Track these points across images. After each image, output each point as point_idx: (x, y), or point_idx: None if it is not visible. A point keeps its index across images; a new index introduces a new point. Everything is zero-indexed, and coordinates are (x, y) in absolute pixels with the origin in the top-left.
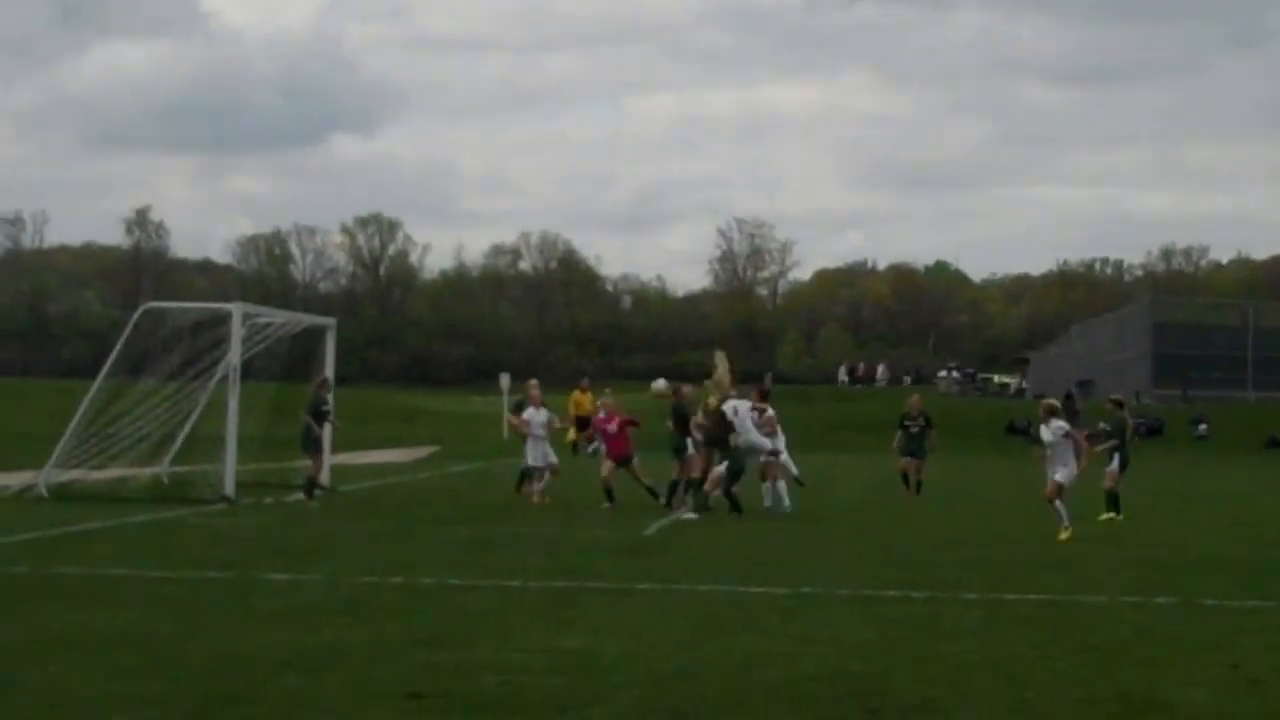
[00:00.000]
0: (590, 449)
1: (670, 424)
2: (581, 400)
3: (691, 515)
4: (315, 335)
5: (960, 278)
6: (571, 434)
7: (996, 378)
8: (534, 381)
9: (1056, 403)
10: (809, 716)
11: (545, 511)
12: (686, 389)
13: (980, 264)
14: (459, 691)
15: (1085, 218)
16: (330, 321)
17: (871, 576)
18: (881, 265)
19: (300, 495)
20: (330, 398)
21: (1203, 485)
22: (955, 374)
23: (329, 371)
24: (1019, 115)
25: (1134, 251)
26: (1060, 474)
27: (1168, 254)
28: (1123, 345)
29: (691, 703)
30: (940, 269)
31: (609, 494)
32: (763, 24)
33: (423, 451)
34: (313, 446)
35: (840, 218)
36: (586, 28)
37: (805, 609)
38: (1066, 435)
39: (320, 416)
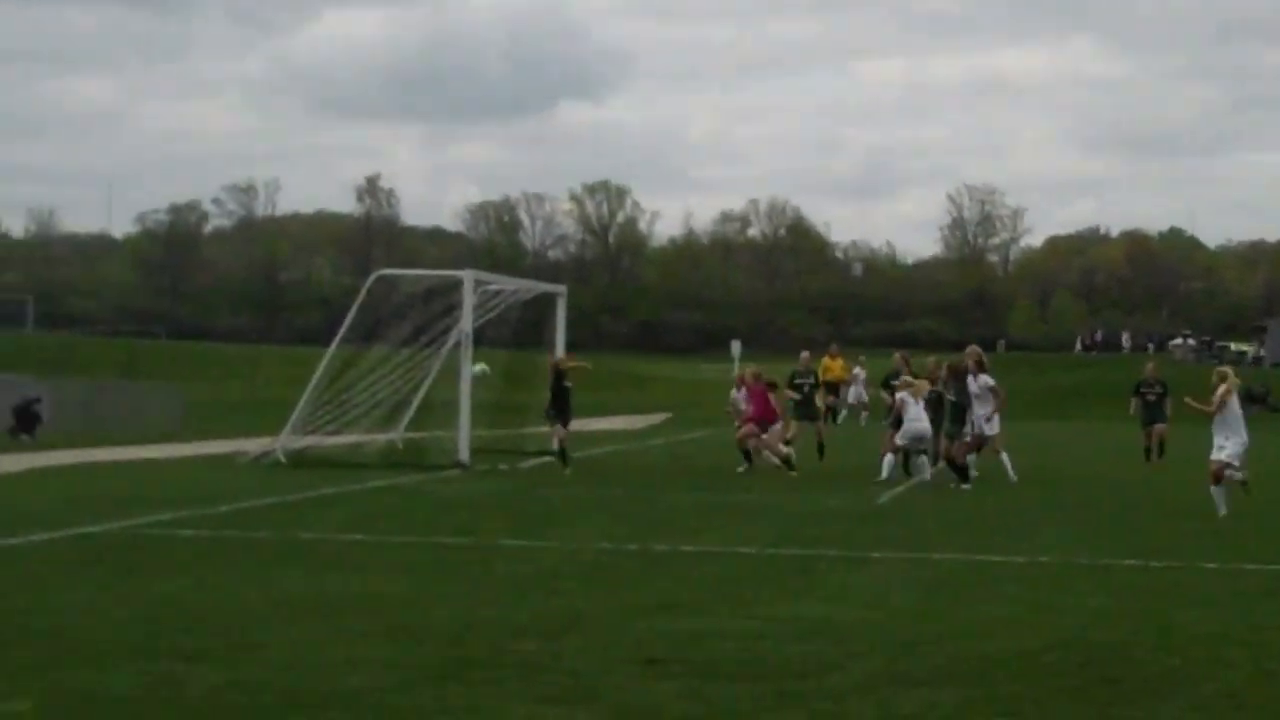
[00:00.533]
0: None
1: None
2: (832, 365)
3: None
4: (546, 302)
5: (1194, 244)
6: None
7: (1233, 345)
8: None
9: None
10: (1049, 686)
11: (778, 479)
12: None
13: (1215, 230)
14: (697, 658)
15: None
16: (561, 289)
17: (1108, 545)
18: (1114, 232)
19: (553, 459)
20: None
21: None
22: (1191, 341)
23: (560, 338)
24: (1251, 78)
25: None
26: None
27: None
28: None
29: (930, 671)
30: (1174, 235)
31: (745, 455)
32: None
33: (655, 418)
34: (561, 415)
35: (1071, 184)
36: None
37: (1043, 577)
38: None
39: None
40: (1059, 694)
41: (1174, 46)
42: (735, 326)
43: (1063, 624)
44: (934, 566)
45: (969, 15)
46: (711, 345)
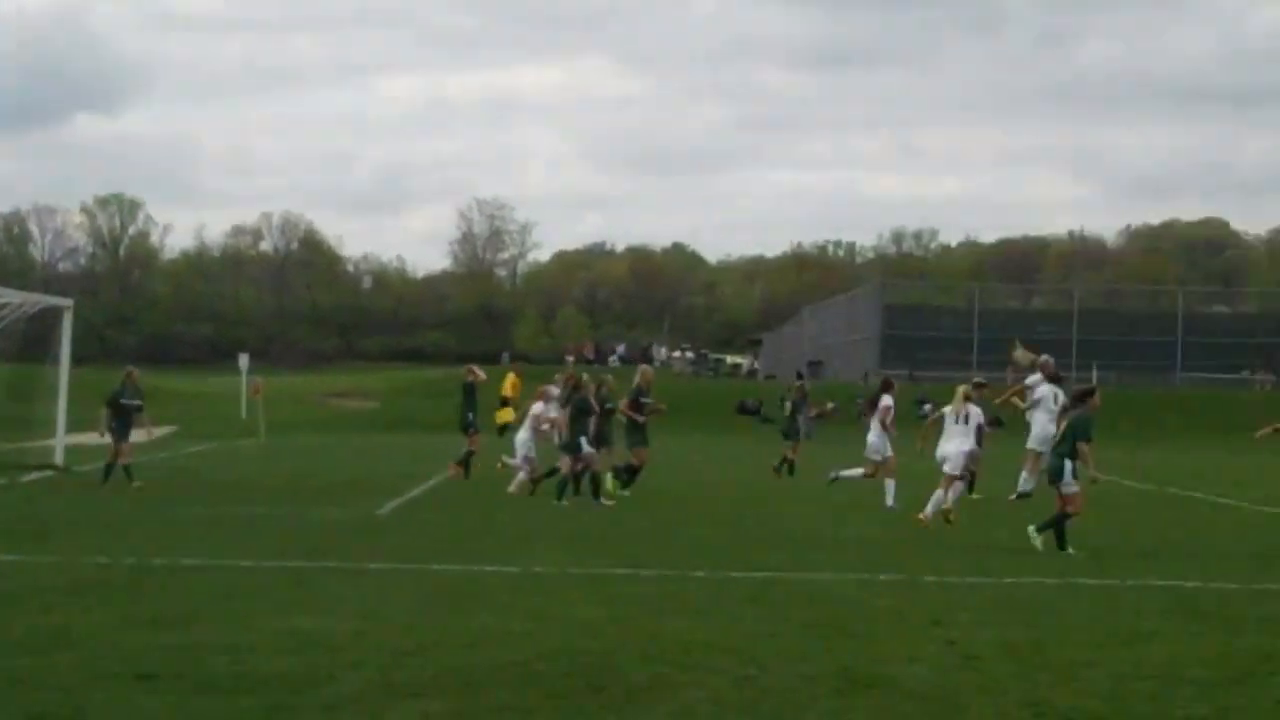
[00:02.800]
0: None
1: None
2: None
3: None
4: (53, 316)
5: (696, 260)
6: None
7: (729, 359)
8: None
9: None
10: (538, 694)
11: (282, 492)
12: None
13: (717, 246)
14: (190, 673)
15: (819, 200)
16: (67, 302)
17: (602, 555)
18: (620, 247)
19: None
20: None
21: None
22: (689, 354)
23: (65, 351)
24: (756, 98)
25: (866, 234)
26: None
27: (898, 237)
28: (853, 327)
29: (423, 681)
30: (677, 251)
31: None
32: (506, 6)
33: (161, 431)
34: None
35: (580, 200)
36: (332, 8)
37: (537, 588)
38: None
39: (117, 407)
40: (547, 702)
41: (682, 67)
42: (244, 339)
43: (553, 633)
44: (431, 578)
45: (485, 33)
46: (220, 358)
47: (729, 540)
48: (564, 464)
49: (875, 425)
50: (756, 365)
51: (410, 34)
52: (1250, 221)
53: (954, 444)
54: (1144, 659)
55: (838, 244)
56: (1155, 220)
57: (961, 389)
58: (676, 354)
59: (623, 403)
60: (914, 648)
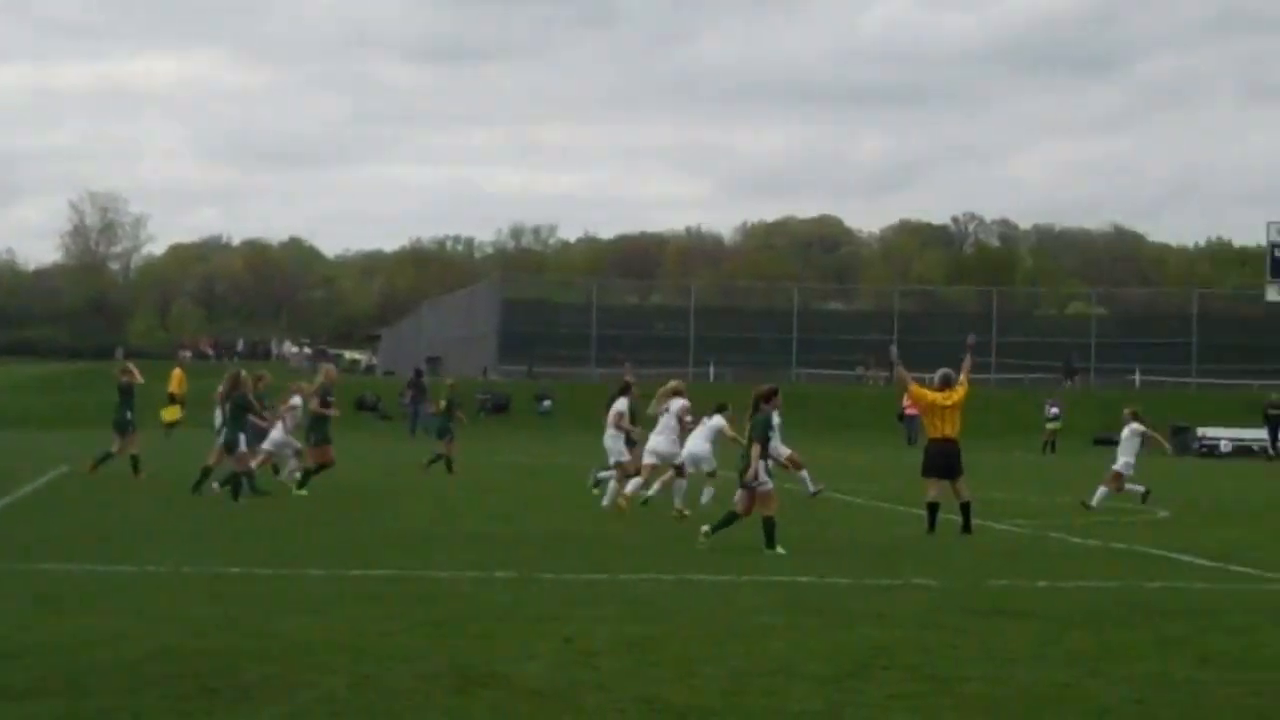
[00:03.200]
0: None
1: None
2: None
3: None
4: None
5: (314, 254)
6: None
7: (347, 354)
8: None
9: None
10: (149, 695)
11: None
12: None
13: (335, 241)
14: None
15: (438, 195)
16: None
17: (218, 555)
18: (236, 241)
19: None
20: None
21: (545, 460)
22: (307, 349)
23: None
24: (375, 92)
25: (485, 229)
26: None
27: (518, 232)
28: (472, 322)
29: (29, 683)
30: (295, 245)
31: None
32: None
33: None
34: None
35: (196, 193)
36: None
37: (150, 587)
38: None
39: None
40: (158, 704)
41: (300, 59)
42: None
43: (165, 634)
44: (40, 577)
45: (101, 22)
46: None
47: (348, 538)
48: (233, 462)
49: (610, 429)
50: (375, 361)
51: (19, 22)
52: (864, 220)
53: (663, 439)
54: (760, 654)
55: (457, 239)
56: (771, 218)
57: (672, 384)
58: (294, 349)
59: (312, 402)
60: (531, 645)
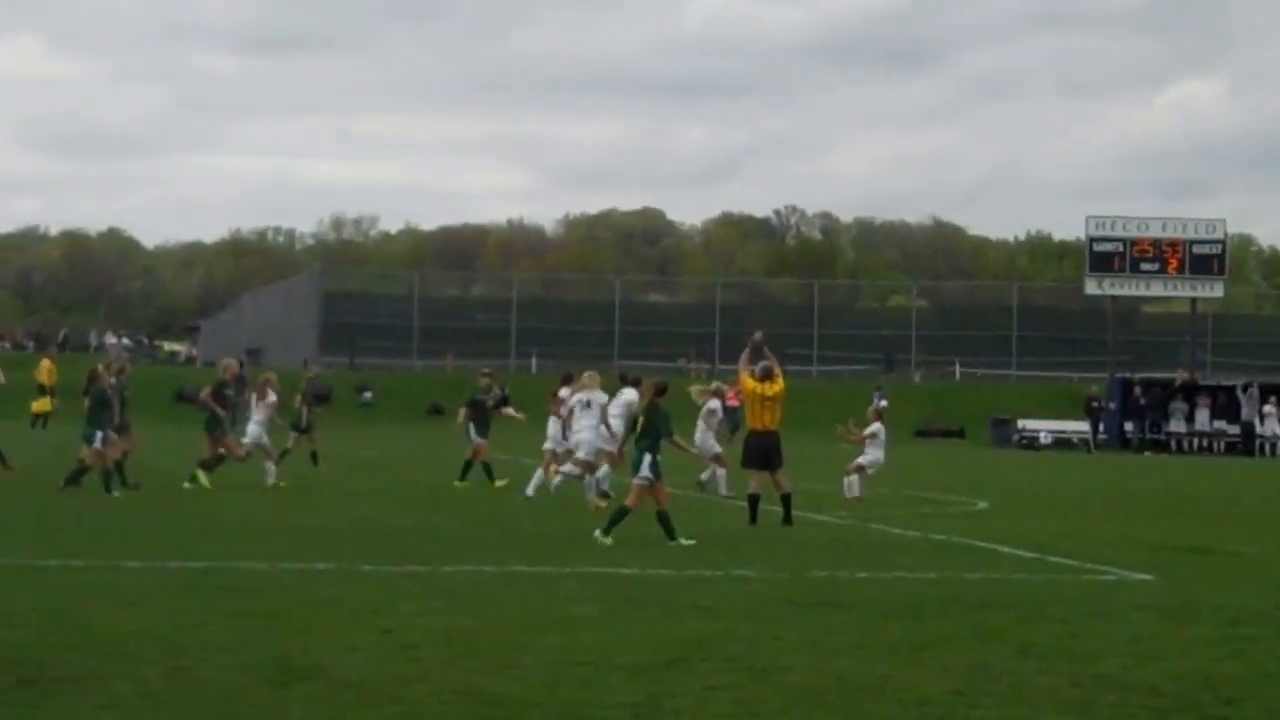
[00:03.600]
0: None
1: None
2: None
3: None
4: None
5: (133, 245)
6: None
7: (167, 345)
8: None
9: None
10: None
11: None
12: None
13: (154, 231)
14: None
15: (258, 186)
16: None
17: (33, 546)
18: (55, 231)
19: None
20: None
21: (366, 452)
22: (126, 340)
23: None
24: (194, 82)
25: (307, 220)
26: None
27: (339, 223)
28: (292, 314)
29: None
30: (113, 236)
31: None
32: None
33: None
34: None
35: (12, 183)
36: None
37: None
38: None
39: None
40: None
41: (117, 48)
42: None
43: None
44: None
45: None
46: None
47: (168, 530)
48: (89, 456)
49: (552, 420)
50: (195, 352)
51: None
52: (686, 212)
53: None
54: (579, 645)
55: (278, 230)
56: (594, 210)
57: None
58: (113, 340)
59: (205, 392)
60: (351, 637)
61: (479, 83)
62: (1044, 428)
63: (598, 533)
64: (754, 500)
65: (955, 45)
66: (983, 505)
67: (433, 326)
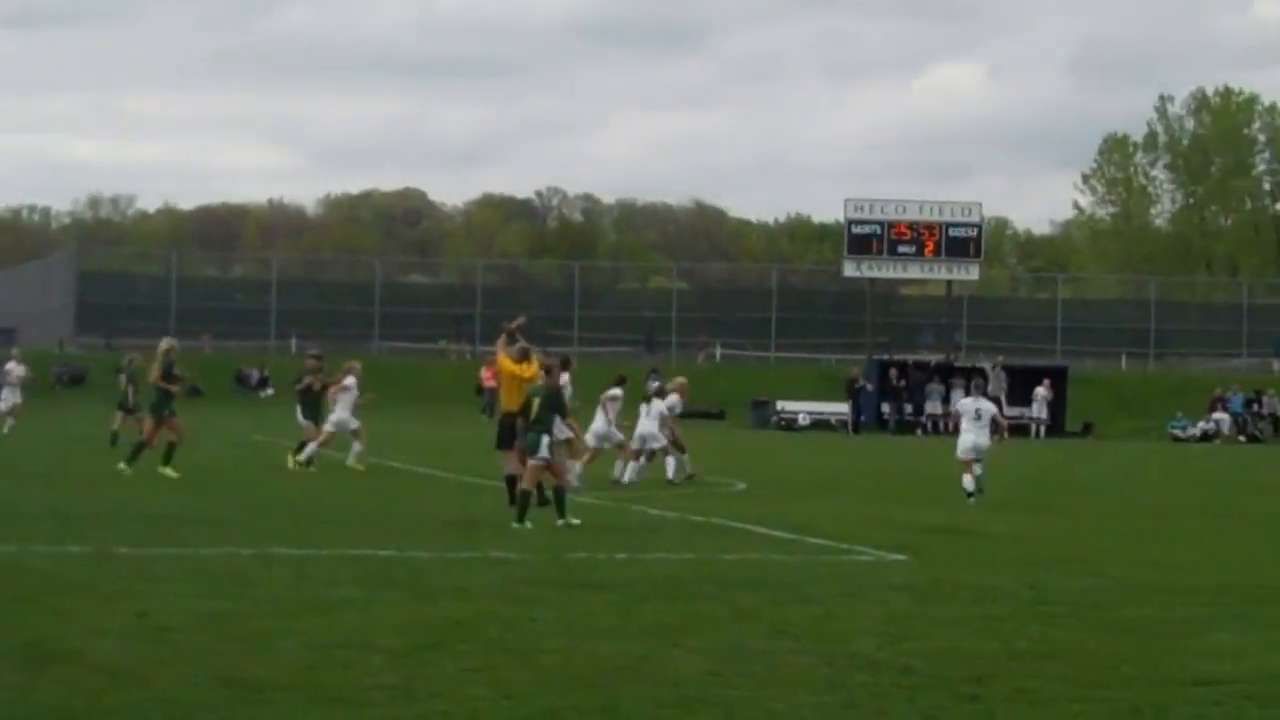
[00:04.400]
0: None
1: None
2: None
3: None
4: None
5: None
6: None
7: None
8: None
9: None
10: None
11: None
12: None
13: None
14: None
15: (12, 163)
16: None
17: None
18: None
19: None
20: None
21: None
22: None
23: None
24: None
25: (62, 199)
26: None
27: (95, 202)
28: (47, 293)
29: None
30: None
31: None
32: None
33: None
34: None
35: None
36: None
37: None
38: None
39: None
40: None
41: None
42: None
43: None
44: None
45: None
46: None
47: None
48: None
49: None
50: None
51: None
52: (447, 193)
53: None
54: (336, 628)
55: (32, 209)
56: (355, 190)
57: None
58: None
59: (154, 373)
60: (104, 620)
61: (239, 61)
62: (802, 409)
63: (559, 521)
64: (511, 481)
65: (718, 27)
66: (741, 486)
67: (191, 307)
